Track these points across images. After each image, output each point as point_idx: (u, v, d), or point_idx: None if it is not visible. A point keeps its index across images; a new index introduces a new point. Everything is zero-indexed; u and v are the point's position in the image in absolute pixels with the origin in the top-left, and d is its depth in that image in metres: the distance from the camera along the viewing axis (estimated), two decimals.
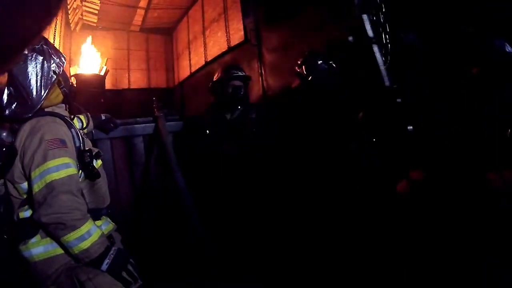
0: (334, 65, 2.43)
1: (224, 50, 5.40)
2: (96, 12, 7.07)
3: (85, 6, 6.83)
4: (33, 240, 1.30)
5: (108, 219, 1.58)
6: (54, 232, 1.23)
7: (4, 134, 1.32)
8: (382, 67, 2.26)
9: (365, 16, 2.36)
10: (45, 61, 1.40)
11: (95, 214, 1.45)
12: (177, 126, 3.17)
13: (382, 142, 2.21)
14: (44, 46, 1.43)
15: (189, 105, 6.46)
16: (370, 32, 2.35)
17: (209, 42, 6.31)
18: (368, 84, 2.38)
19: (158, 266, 2.16)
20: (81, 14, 7.14)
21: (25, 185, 1.30)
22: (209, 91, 2.75)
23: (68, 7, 6.38)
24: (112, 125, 2.46)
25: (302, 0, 3.25)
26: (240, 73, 2.67)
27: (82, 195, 1.38)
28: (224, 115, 2.64)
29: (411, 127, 1.97)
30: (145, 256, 1.83)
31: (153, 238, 2.58)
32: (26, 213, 1.31)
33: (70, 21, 6.96)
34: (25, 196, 1.32)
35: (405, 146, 2.04)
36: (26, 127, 1.32)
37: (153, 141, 3.02)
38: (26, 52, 1.36)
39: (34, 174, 1.24)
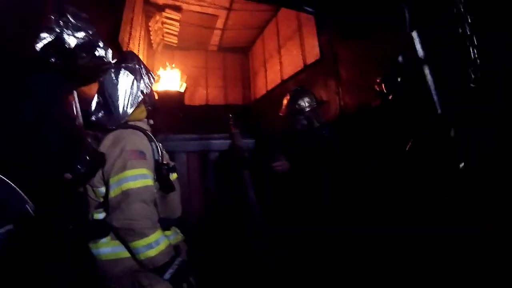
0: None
1: (299, 68, 5.39)
2: (176, 33, 7.68)
3: (166, 28, 7.49)
4: (103, 240, 1.40)
5: (177, 230, 1.65)
6: (124, 236, 1.31)
7: (89, 139, 1.45)
8: (433, 91, 1.97)
9: (415, 33, 2.11)
10: (135, 80, 1.54)
11: (165, 224, 1.52)
12: (252, 144, 3.23)
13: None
14: (137, 66, 1.58)
15: (264, 122, 6.55)
16: (420, 51, 2.09)
17: (285, 60, 6.37)
18: (418, 110, 2.13)
19: (221, 279, 2.17)
20: (162, 36, 7.85)
21: (102, 189, 1.43)
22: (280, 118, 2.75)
23: (150, 29, 7.05)
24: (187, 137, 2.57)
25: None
26: (307, 104, 2.57)
27: (155, 205, 1.46)
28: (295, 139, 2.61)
29: (462, 164, 1.68)
30: (208, 269, 1.85)
31: (219, 251, 2.62)
32: (100, 215, 1.43)
33: (152, 42, 7.66)
34: (101, 200, 1.44)
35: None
36: (110, 137, 1.46)
37: (228, 157, 3.12)
38: (120, 68, 1.52)
39: (113, 180, 1.35)
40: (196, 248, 1.77)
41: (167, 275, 1.32)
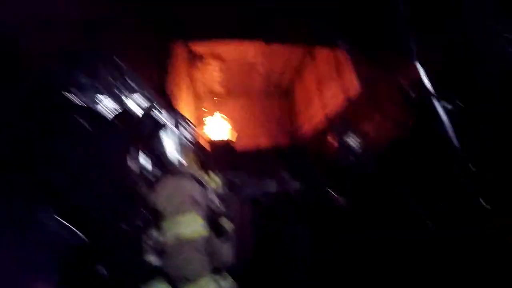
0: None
1: (342, 104, 5.38)
2: (220, 81, 8.02)
3: (210, 77, 7.88)
4: (157, 285, 1.43)
5: (229, 277, 1.65)
6: (176, 282, 1.34)
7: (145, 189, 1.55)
8: (449, 129, 1.83)
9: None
10: (183, 131, 1.66)
11: (217, 271, 1.53)
12: (303, 184, 3.22)
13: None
14: (179, 117, 1.71)
15: (313, 162, 6.48)
16: (429, 86, 1.99)
17: (326, 98, 6.39)
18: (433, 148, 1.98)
19: None
20: (207, 85, 8.31)
21: (156, 235, 1.48)
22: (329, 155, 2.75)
23: (195, 79, 7.48)
24: (239, 184, 2.64)
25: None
26: (353, 138, 2.59)
27: (207, 251, 1.49)
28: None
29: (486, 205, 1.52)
30: None
31: None
32: (154, 260, 1.48)
33: (198, 91, 8.10)
34: (155, 245, 1.50)
35: None
36: (165, 185, 1.55)
37: (278, 200, 3.12)
38: (164, 121, 1.65)
39: (167, 227, 1.42)
40: None
41: None
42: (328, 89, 6.16)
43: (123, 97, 1.21)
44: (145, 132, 1.44)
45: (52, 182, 0.92)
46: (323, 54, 6.35)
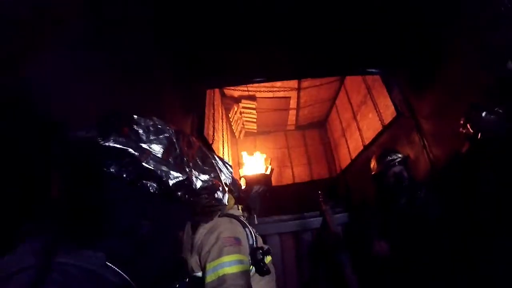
0: (500, 111, 2.00)
1: (379, 130, 5.26)
2: (255, 120, 8.31)
3: (245, 116, 8.19)
4: None
5: None
6: None
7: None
8: None
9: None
10: (220, 173, 1.71)
11: None
12: (345, 218, 3.11)
13: None
14: (216, 159, 1.77)
15: (354, 193, 6.28)
16: None
17: (363, 125, 6.28)
18: None
19: None
20: (242, 124, 8.55)
21: (199, 274, 1.48)
22: (372, 182, 2.69)
23: (231, 119, 7.73)
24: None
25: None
26: (395, 157, 2.54)
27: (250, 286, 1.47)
28: (390, 204, 2.48)
29: None
30: None
31: None
32: None
33: (234, 131, 8.32)
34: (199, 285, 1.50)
35: None
36: (206, 225, 1.57)
37: (322, 235, 3.03)
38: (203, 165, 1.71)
39: (209, 266, 1.43)
40: None
41: None
42: (364, 116, 6.09)
43: (193, 178, 1.25)
44: (204, 211, 1.48)
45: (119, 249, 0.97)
46: (354, 82, 6.36)
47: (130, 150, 1.05)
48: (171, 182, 1.11)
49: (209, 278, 1.40)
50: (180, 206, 1.20)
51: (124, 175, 1.04)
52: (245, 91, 7.02)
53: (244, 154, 7.57)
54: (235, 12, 2.83)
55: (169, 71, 3.09)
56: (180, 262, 1.28)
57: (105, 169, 1.02)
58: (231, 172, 1.76)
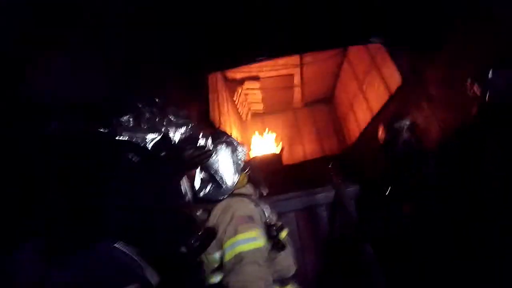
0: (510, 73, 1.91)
1: (386, 99, 5.19)
2: (260, 100, 8.27)
3: (250, 98, 8.15)
4: None
5: (295, 286, 1.65)
6: None
7: (199, 212, 1.63)
8: None
9: None
10: (232, 152, 1.74)
11: (281, 283, 1.55)
12: (357, 191, 3.12)
13: None
14: (228, 139, 1.79)
15: (365, 164, 6.27)
16: None
17: (369, 96, 6.19)
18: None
19: None
20: (249, 105, 8.51)
21: (217, 255, 1.53)
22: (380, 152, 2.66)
23: (236, 102, 7.68)
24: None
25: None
26: (403, 124, 2.50)
27: (269, 265, 1.52)
28: (400, 173, 2.46)
29: None
30: None
31: None
32: (216, 279, 1.52)
33: (241, 113, 8.29)
34: (215, 265, 1.54)
35: None
36: (219, 207, 1.62)
37: (335, 209, 3.06)
38: (217, 145, 1.74)
39: (226, 245, 1.48)
40: None
41: None
42: (370, 86, 6.00)
43: (171, 134, 1.29)
44: (194, 162, 1.52)
45: (114, 216, 1.01)
46: (356, 53, 6.22)
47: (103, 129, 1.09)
48: (149, 146, 1.14)
49: (228, 256, 1.45)
50: (165, 165, 1.23)
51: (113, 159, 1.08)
52: (247, 72, 6.95)
53: (256, 134, 7.60)
54: None
55: (170, 65, 3.09)
56: (187, 217, 1.32)
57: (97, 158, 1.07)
58: (245, 150, 1.79)
